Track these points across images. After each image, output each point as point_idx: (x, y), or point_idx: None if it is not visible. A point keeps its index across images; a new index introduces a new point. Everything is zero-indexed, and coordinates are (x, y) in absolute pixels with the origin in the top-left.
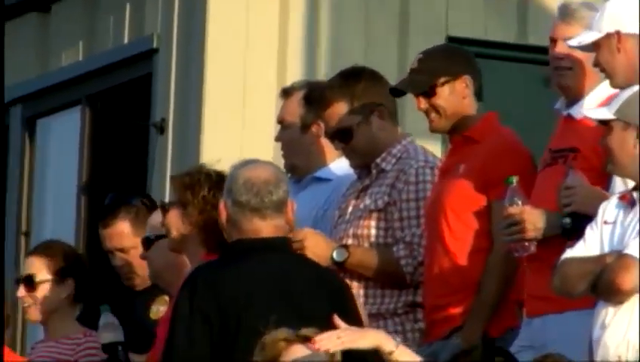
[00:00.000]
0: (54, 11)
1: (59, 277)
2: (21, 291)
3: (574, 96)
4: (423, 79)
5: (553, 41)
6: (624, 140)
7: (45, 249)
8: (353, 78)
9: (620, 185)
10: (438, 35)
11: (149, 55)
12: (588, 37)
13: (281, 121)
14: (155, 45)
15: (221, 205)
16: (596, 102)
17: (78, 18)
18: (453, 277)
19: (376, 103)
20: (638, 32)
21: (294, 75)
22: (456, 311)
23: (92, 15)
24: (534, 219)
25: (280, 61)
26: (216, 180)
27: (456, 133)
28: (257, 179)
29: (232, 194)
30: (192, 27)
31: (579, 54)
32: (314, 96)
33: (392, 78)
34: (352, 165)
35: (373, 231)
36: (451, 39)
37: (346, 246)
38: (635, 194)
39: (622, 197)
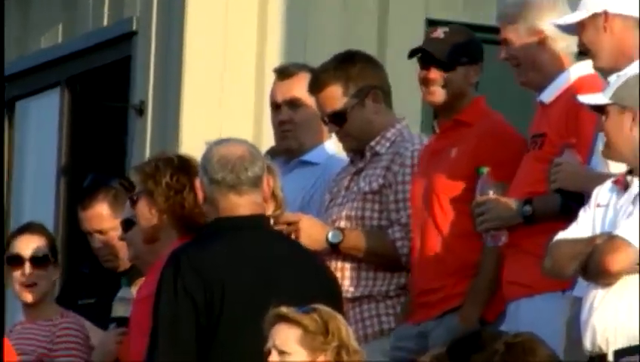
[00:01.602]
0: None
1: (55, 258)
2: (28, 268)
3: (537, 88)
4: (450, 51)
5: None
6: (620, 124)
7: (41, 229)
8: (348, 62)
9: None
10: (417, 18)
11: (128, 37)
12: (574, 16)
13: (291, 101)
14: (134, 28)
15: (197, 184)
16: (562, 86)
17: (58, 1)
18: (449, 260)
19: (370, 86)
20: (625, 13)
21: (273, 57)
22: (453, 292)
23: None
24: (497, 209)
25: (259, 44)
26: (178, 164)
27: (446, 116)
28: (232, 155)
29: (208, 172)
30: (172, 10)
31: (517, 50)
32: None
33: None
34: (346, 148)
35: (367, 214)
36: (430, 22)
37: (341, 229)
38: (628, 178)
39: (616, 181)
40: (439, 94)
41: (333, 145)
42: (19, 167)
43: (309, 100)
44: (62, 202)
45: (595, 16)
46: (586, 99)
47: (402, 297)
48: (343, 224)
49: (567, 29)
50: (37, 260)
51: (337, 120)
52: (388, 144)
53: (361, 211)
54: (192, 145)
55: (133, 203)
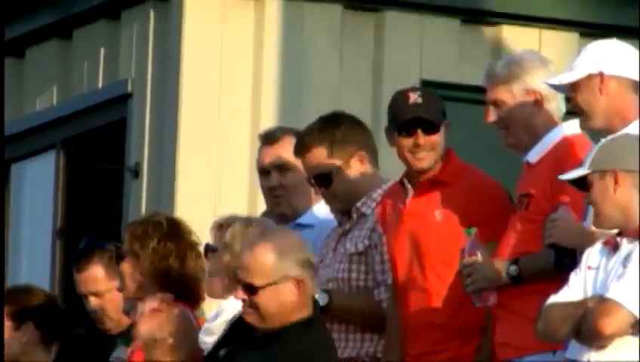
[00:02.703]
0: (29, 55)
1: (16, 322)
2: None
3: (524, 149)
4: (434, 115)
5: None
6: (604, 189)
7: (13, 296)
8: (333, 123)
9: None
10: (412, 79)
11: (123, 99)
12: (568, 76)
13: (279, 166)
14: (129, 90)
15: (305, 280)
16: (548, 146)
17: (53, 62)
18: (451, 325)
19: (355, 148)
20: (621, 75)
21: (268, 119)
22: (459, 354)
23: (66, 59)
24: (484, 270)
25: (254, 107)
26: (168, 230)
27: (423, 175)
28: None
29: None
30: (167, 72)
31: (511, 111)
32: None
33: (367, 122)
34: (333, 210)
35: (354, 275)
36: (425, 83)
37: (327, 291)
38: (618, 239)
39: (605, 243)
40: (428, 159)
41: (324, 207)
42: (15, 229)
43: (297, 163)
44: (58, 264)
45: (590, 77)
46: (567, 175)
47: None
48: (330, 285)
49: (559, 87)
50: None
51: (323, 182)
52: (374, 205)
53: (347, 273)
54: (187, 207)
55: (120, 261)
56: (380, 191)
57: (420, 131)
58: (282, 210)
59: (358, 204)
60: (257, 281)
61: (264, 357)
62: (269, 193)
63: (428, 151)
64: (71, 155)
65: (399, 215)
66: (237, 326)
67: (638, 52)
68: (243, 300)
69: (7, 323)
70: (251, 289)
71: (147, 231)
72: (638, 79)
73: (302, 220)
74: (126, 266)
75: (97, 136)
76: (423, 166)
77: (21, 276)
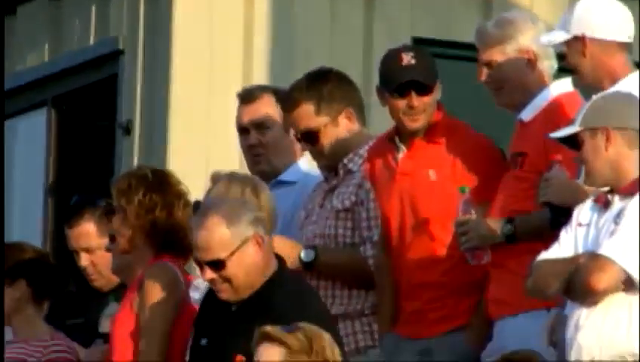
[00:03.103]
0: (20, 13)
1: (8, 279)
2: None
3: (517, 108)
4: (429, 77)
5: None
6: (596, 147)
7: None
8: (320, 80)
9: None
10: (404, 37)
11: (114, 56)
12: (557, 36)
13: (258, 124)
14: (120, 47)
15: (263, 236)
16: (542, 105)
17: (44, 20)
18: (449, 283)
19: (343, 105)
20: (604, 37)
21: (260, 76)
22: (456, 311)
23: (57, 17)
24: (479, 228)
25: (246, 63)
26: (153, 181)
27: (416, 135)
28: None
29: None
30: (158, 28)
31: (505, 71)
32: (281, 97)
33: (358, 80)
34: (320, 166)
35: (340, 231)
36: (416, 40)
37: (313, 247)
38: (609, 196)
39: (596, 199)
40: (422, 120)
41: (307, 163)
42: (7, 186)
43: (276, 121)
44: (49, 221)
45: (576, 38)
46: (558, 134)
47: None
48: (317, 242)
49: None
50: None
51: (310, 139)
52: (361, 161)
53: (334, 229)
54: (179, 164)
55: (110, 217)
56: (366, 147)
57: (413, 93)
58: (262, 168)
59: (345, 161)
60: (221, 254)
61: (256, 323)
62: (249, 151)
63: (422, 112)
64: (62, 112)
65: (391, 173)
66: (208, 308)
67: (627, 10)
68: (212, 279)
69: None
70: (218, 265)
71: (131, 186)
72: (623, 40)
73: (284, 177)
74: (116, 221)
75: (89, 93)
76: (416, 126)
77: (13, 233)
